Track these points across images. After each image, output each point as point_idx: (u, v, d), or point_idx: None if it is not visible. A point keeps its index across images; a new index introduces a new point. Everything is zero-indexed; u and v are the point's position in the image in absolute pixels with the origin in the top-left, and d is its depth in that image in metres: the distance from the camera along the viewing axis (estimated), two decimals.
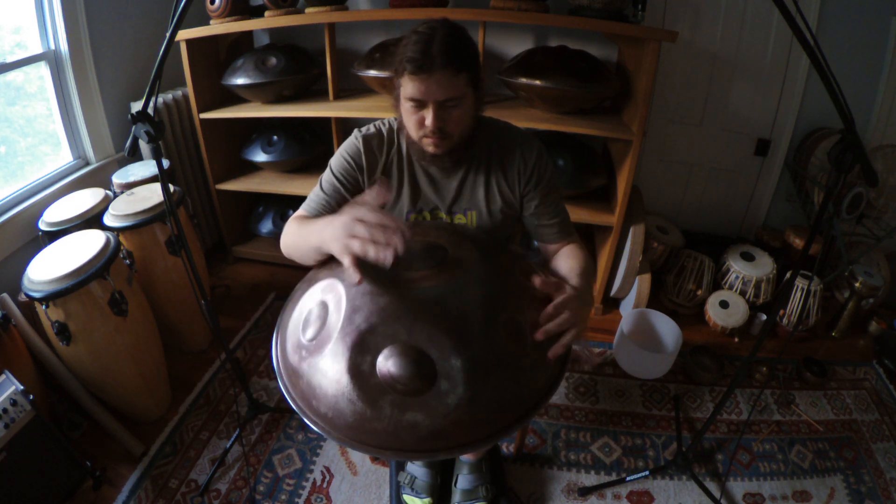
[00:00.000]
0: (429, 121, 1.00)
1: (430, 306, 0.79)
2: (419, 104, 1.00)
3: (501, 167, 1.16)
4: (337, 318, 0.79)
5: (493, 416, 0.75)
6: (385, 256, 0.77)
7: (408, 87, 0.98)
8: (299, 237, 1.03)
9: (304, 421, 0.79)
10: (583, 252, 1.17)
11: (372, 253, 0.78)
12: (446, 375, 0.73)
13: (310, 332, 0.82)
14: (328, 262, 0.97)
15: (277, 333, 0.91)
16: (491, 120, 1.19)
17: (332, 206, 1.15)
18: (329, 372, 0.76)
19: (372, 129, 1.18)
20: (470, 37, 1.02)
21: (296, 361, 0.82)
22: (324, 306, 0.84)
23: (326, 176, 1.18)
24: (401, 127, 1.16)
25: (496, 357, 0.77)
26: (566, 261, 1.13)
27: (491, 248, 0.98)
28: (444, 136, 1.03)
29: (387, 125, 1.19)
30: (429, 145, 1.06)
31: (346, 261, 0.81)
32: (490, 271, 0.88)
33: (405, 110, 1.04)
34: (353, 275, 0.79)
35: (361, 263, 0.81)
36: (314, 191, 1.18)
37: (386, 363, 0.74)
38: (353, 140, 1.17)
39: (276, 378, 0.91)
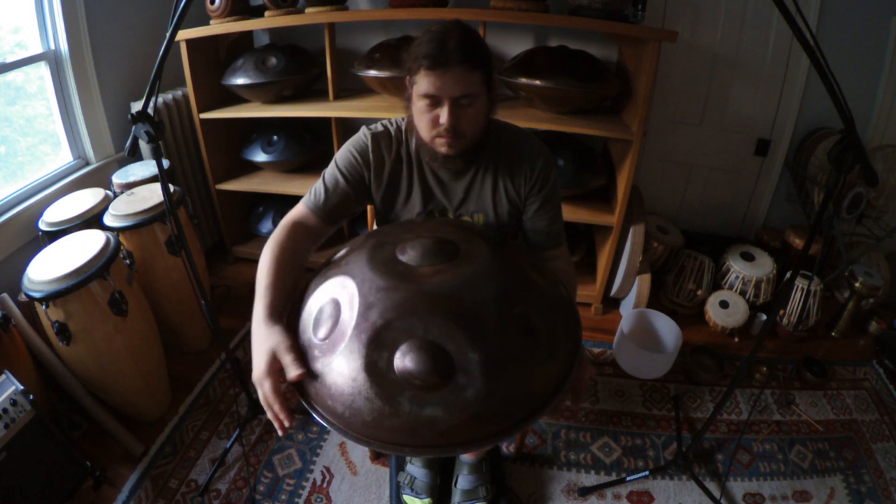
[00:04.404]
0: (443, 118, 0.99)
1: (446, 300, 0.78)
2: (434, 101, 0.99)
3: (509, 171, 1.15)
4: (350, 315, 0.79)
5: (509, 409, 0.76)
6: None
7: (422, 83, 0.98)
8: (258, 276, 1.00)
9: (318, 421, 0.78)
10: (570, 276, 1.20)
11: (269, 414, 0.85)
12: (464, 369, 0.73)
13: (322, 331, 0.82)
14: (334, 262, 0.97)
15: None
16: (499, 122, 1.18)
17: (333, 200, 1.12)
18: (344, 370, 0.75)
19: (381, 127, 1.17)
20: (483, 39, 1.02)
21: (308, 361, 0.81)
22: (335, 304, 0.84)
23: (330, 170, 1.15)
24: (409, 128, 1.15)
25: (511, 350, 0.77)
26: None
27: (500, 243, 0.98)
28: (458, 136, 1.03)
29: (394, 125, 1.17)
30: (441, 145, 1.05)
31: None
32: (501, 265, 0.88)
33: (418, 109, 1.03)
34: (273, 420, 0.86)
35: (374, 257, 0.87)
36: (316, 184, 1.14)
37: (403, 359, 0.74)
38: (362, 137, 1.15)
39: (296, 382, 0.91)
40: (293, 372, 0.80)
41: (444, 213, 1.20)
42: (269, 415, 0.84)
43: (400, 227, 1.05)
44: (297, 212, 1.14)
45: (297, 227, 1.10)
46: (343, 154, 1.15)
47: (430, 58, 0.95)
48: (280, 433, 0.86)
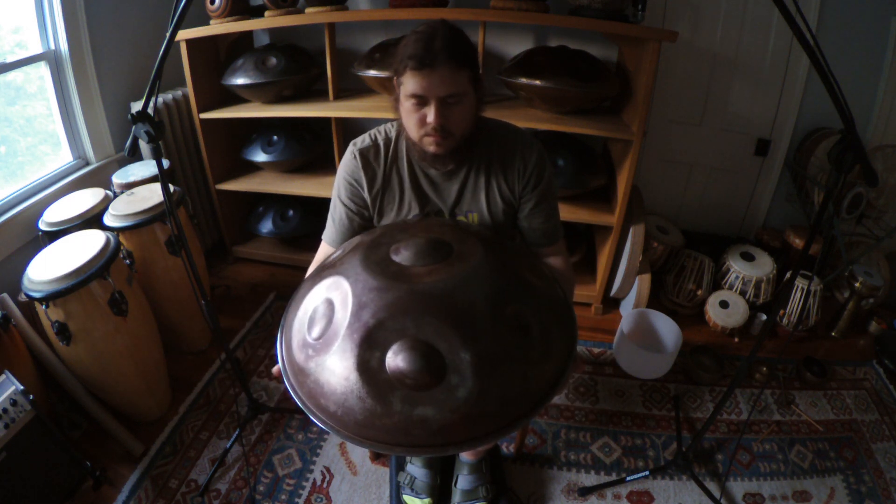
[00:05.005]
0: (430, 118, 1.00)
1: (438, 300, 0.79)
2: (421, 101, 1.00)
3: (502, 168, 1.16)
4: (343, 314, 0.79)
5: (502, 409, 0.76)
6: None
7: (409, 84, 0.98)
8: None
9: (312, 420, 0.78)
10: (567, 272, 1.21)
11: None
12: (456, 369, 0.73)
13: (316, 331, 0.82)
14: (329, 262, 0.97)
15: (282, 332, 0.91)
16: (490, 120, 1.19)
17: (345, 230, 1.21)
18: (337, 369, 0.76)
19: (367, 140, 1.19)
20: (469, 38, 1.03)
21: (302, 360, 0.82)
22: (329, 304, 0.84)
23: (334, 203, 1.22)
24: (400, 131, 1.16)
25: (504, 350, 0.77)
26: None
27: (495, 243, 0.98)
28: (446, 135, 1.03)
29: (383, 134, 1.19)
30: (430, 145, 1.06)
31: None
32: (495, 265, 0.88)
33: (406, 110, 1.03)
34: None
35: (368, 258, 0.88)
36: (328, 220, 1.24)
37: (395, 358, 0.74)
38: (350, 157, 1.18)
39: (276, 377, 0.92)
40: None
41: (439, 214, 1.20)
42: None
43: (395, 227, 1.05)
44: (322, 250, 1.25)
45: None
46: (339, 182, 1.20)
47: (416, 58, 0.95)
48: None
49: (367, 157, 1.16)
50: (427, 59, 0.95)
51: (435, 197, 1.18)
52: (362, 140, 1.19)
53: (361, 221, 1.22)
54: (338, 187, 1.21)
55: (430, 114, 1.00)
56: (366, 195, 1.18)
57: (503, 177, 1.16)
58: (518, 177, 1.15)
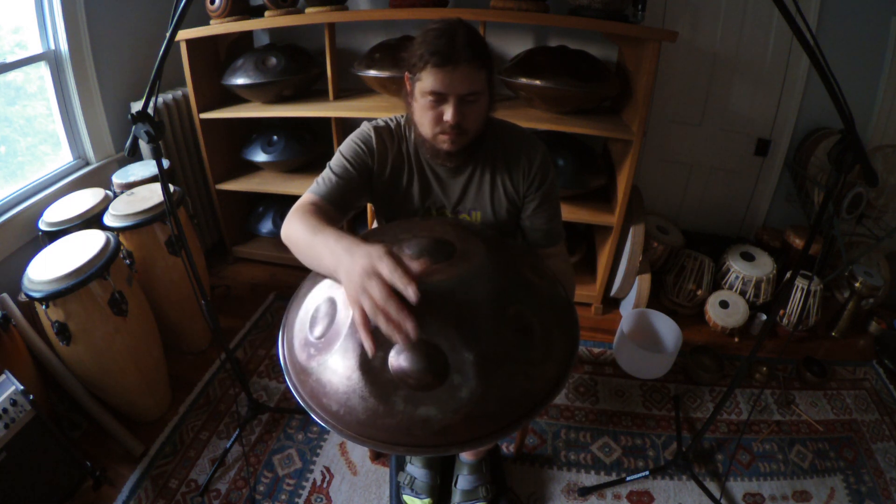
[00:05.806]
0: (448, 115, 1.00)
1: (440, 300, 0.79)
2: (440, 98, 1.00)
3: (507, 167, 1.16)
4: (346, 314, 0.79)
5: (504, 409, 0.76)
6: (393, 335, 0.69)
7: (428, 80, 0.98)
8: (309, 242, 0.90)
9: (314, 419, 0.78)
10: (568, 273, 1.21)
11: (382, 325, 0.69)
12: (458, 369, 0.73)
13: (318, 330, 0.82)
14: None
15: (283, 331, 0.91)
16: (496, 120, 1.19)
17: (343, 187, 1.09)
18: (339, 369, 0.76)
19: (381, 122, 1.19)
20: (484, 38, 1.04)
21: (304, 359, 0.82)
22: (332, 303, 0.84)
23: (336, 159, 1.14)
24: (407, 125, 1.16)
25: (506, 350, 0.77)
26: None
27: (497, 243, 0.98)
28: (461, 132, 1.04)
29: (395, 121, 1.19)
30: (444, 142, 1.06)
31: (355, 314, 0.72)
32: (498, 265, 0.88)
33: (421, 106, 1.03)
34: (366, 341, 0.71)
35: None
36: (323, 174, 1.12)
37: (397, 358, 0.74)
38: (365, 129, 1.17)
39: (276, 377, 0.91)
40: (415, 266, 0.73)
41: (441, 210, 1.20)
42: (382, 323, 0.69)
43: (398, 226, 1.05)
44: (305, 199, 1.09)
45: (313, 207, 1.04)
46: (348, 145, 1.15)
47: (439, 55, 0.95)
48: (403, 341, 0.69)
49: (381, 136, 1.16)
50: (451, 57, 0.95)
51: (439, 192, 1.18)
52: (377, 121, 1.19)
53: (359, 180, 1.12)
54: (343, 149, 1.14)
55: (448, 111, 1.00)
56: (372, 166, 1.15)
57: (508, 176, 1.16)
58: (523, 176, 1.16)
